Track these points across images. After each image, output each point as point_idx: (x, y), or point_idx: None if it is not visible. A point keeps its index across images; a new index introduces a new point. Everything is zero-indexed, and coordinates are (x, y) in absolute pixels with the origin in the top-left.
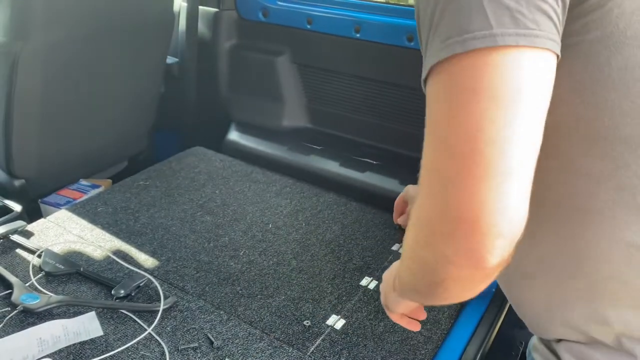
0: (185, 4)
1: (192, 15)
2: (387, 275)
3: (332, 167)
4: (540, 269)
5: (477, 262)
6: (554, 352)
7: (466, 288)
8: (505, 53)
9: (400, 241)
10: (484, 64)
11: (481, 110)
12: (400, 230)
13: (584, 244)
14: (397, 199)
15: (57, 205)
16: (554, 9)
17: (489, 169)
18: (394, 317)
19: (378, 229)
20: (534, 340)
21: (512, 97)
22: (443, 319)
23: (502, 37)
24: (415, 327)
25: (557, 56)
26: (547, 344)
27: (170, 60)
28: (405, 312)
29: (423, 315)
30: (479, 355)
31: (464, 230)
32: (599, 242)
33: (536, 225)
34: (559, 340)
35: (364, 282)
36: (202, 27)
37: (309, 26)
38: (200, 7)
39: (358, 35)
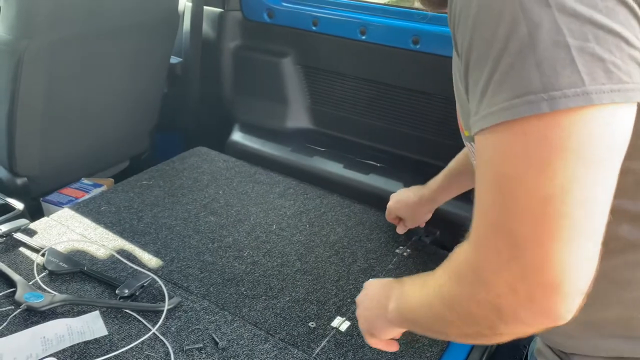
0: (189, 4)
1: (197, 16)
2: (371, 302)
3: (335, 168)
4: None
5: (555, 320)
6: (560, 358)
7: (526, 334)
8: (598, 111)
9: (404, 244)
10: (573, 124)
11: (568, 171)
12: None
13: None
14: (390, 215)
15: (59, 204)
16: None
17: (575, 232)
18: (373, 342)
19: (382, 231)
20: (537, 344)
21: (601, 157)
22: None
23: (596, 94)
24: (394, 348)
25: None
26: (555, 351)
27: (174, 60)
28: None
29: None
30: (484, 358)
31: (544, 294)
32: None
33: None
34: (572, 354)
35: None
36: (206, 27)
37: (314, 28)
38: (205, 7)
39: (364, 37)
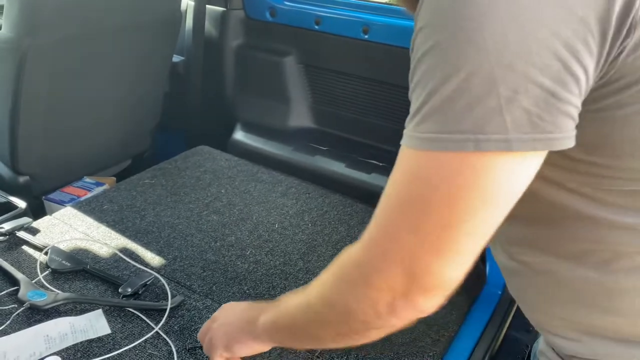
0: (192, 3)
1: (200, 14)
2: (233, 317)
3: (338, 168)
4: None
5: (421, 315)
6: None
7: (387, 334)
8: (515, 157)
9: None
10: (488, 166)
11: (469, 207)
12: None
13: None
14: None
15: (61, 203)
16: (574, 105)
17: (458, 255)
18: None
19: None
20: (540, 346)
21: (500, 200)
22: (451, 322)
23: (516, 142)
24: None
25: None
26: (559, 353)
27: (176, 58)
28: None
29: None
30: (486, 357)
31: (418, 295)
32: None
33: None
34: (573, 357)
35: None
36: (209, 26)
37: (316, 27)
38: (208, 6)
39: (366, 36)
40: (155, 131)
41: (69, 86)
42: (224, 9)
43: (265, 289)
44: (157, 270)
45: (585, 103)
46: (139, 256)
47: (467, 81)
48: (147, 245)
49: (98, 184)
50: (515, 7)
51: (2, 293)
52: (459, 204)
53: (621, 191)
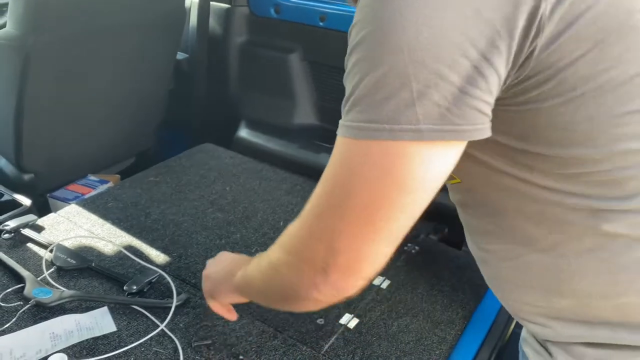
0: (196, 0)
1: (204, 11)
2: (222, 266)
3: None
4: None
5: (338, 293)
6: (543, 346)
7: (316, 307)
8: (426, 147)
9: (412, 241)
10: (403, 155)
11: (385, 193)
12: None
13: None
14: None
15: (66, 200)
16: (484, 101)
17: (376, 237)
18: (215, 306)
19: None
20: (523, 333)
21: (415, 187)
22: (457, 320)
23: (427, 132)
24: (233, 317)
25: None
26: (537, 338)
27: (180, 56)
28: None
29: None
30: (493, 356)
31: (338, 272)
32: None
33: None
34: (547, 340)
35: (376, 281)
36: (213, 23)
37: (321, 23)
38: (212, 3)
39: None
40: (160, 128)
41: (73, 84)
42: (229, 5)
43: None
44: (162, 267)
45: (508, 97)
46: (144, 254)
47: (385, 76)
48: (152, 243)
49: (102, 182)
50: (428, 9)
51: (8, 290)
52: (376, 189)
53: (560, 176)
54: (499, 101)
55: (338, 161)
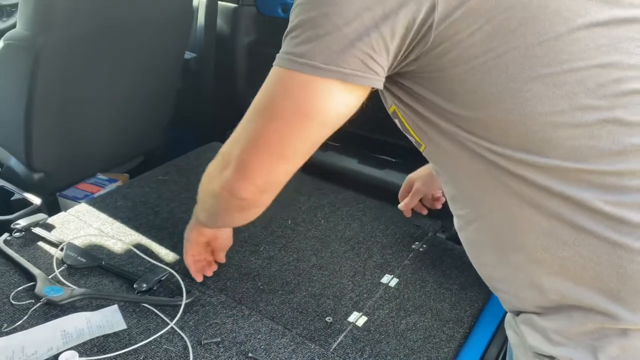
0: (204, 0)
1: (211, 11)
2: (190, 225)
3: (350, 164)
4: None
5: (237, 195)
6: (518, 325)
7: (241, 217)
8: (322, 82)
9: (420, 239)
10: (304, 84)
11: (286, 114)
12: (420, 229)
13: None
14: (406, 184)
15: (75, 199)
16: (371, 57)
17: (271, 151)
18: (188, 259)
19: (397, 226)
20: (506, 317)
21: (315, 116)
22: (466, 318)
23: (315, 69)
24: (209, 272)
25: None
26: (515, 317)
27: (188, 55)
28: (195, 248)
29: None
30: (502, 354)
31: (237, 176)
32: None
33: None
34: (518, 314)
35: (384, 279)
36: (220, 22)
37: None
38: (220, 3)
39: None
40: (168, 128)
41: (82, 83)
42: (236, 5)
43: (279, 284)
44: (172, 266)
45: (425, 65)
46: (153, 252)
47: (303, 20)
48: (161, 241)
49: (111, 181)
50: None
51: (20, 289)
52: (279, 108)
53: (487, 136)
54: (420, 67)
55: (266, 80)
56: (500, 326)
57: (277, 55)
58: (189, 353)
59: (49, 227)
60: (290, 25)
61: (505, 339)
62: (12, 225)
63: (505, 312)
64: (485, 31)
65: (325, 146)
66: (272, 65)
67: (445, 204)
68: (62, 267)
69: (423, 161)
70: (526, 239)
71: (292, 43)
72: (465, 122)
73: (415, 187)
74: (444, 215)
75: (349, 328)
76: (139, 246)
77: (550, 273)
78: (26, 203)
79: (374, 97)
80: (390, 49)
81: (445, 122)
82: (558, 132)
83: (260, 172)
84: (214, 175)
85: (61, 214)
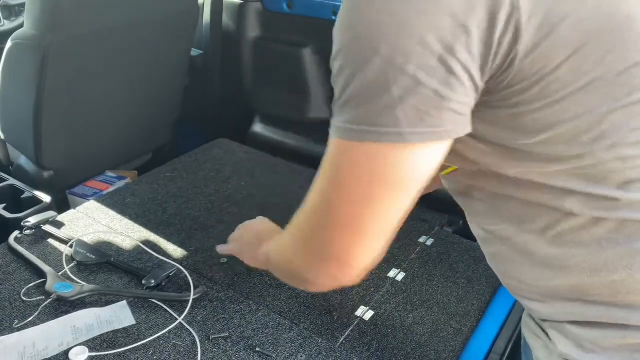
0: None
1: (217, 7)
2: (250, 234)
3: None
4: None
5: (339, 284)
6: (541, 327)
7: (322, 289)
8: (409, 148)
9: (427, 233)
10: (386, 156)
11: (374, 193)
12: (427, 223)
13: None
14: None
15: (85, 197)
16: (462, 102)
17: (366, 234)
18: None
19: (405, 221)
20: (523, 317)
21: (407, 185)
22: (473, 312)
23: (409, 135)
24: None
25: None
26: (536, 320)
27: (194, 52)
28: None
29: None
30: (509, 347)
31: (337, 266)
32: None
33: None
34: (544, 320)
35: (391, 274)
36: (226, 19)
37: (334, 17)
38: (225, 0)
39: None
40: (176, 125)
41: (90, 82)
42: (241, 1)
43: None
44: (180, 262)
45: (496, 101)
46: (161, 248)
47: (367, 80)
48: (169, 238)
49: (120, 178)
50: (405, 16)
51: (30, 285)
52: (363, 188)
53: (548, 169)
54: (488, 103)
55: (329, 161)
56: (507, 319)
57: (337, 126)
58: (197, 348)
59: (59, 225)
60: (346, 86)
61: (513, 333)
62: (22, 223)
63: (513, 307)
64: (572, 62)
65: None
66: (277, 60)
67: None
68: (72, 264)
69: None
70: (575, 263)
71: (361, 109)
72: (523, 156)
73: None
74: (450, 209)
75: (356, 322)
76: (147, 242)
77: (597, 294)
78: (36, 201)
79: None
80: (471, 90)
81: (501, 152)
82: (627, 163)
83: (362, 257)
84: (296, 262)
85: (70, 212)
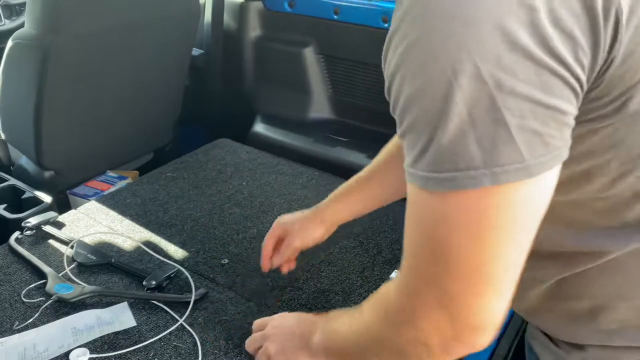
0: None
1: (218, 7)
2: (291, 336)
3: (358, 159)
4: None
5: (476, 349)
6: (552, 340)
7: None
8: (535, 181)
9: None
10: (509, 199)
11: (499, 241)
12: None
13: None
14: (272, 232)
15: (85, 197)
16: (574, 115)
17: (498, 288)
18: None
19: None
20: (529, 328)
21: (528, 227)
22: None
23: (535, 167)
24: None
25: None
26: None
27: (195, 52)
28: None
29: None
30: (512, 350)
31: (469, 334)
32: None
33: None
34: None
35: (394, 275)
36: (227, 18)
37: (335, 16)
38: None
39: (386, 25)
40: (177, 124)
41: (91, 81)
42: (243, 1)
43: (288, 281)
44: (181, 263)
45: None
46: (162, 249)
47: (470, 114)
48: (170, 238)
49: (121, 178)
50: (500, 25)
51: (31, 286)
52: (490, 241)
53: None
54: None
55: (433, 218)
56: (510, 323)
57: (432, 177)
58: (198, 350)
59: (60, 225)
60: (439, 125)
61: (516, 335)
62: (23, 224)
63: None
64: None
65: (333, 142)
66: (279, 59)
67: None
68: (73, 265)
69: None
70: (597, 286)
71: (466, 150)
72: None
73: (290, 238)
74: None
75: None
76: (148, 243)
77: (625, 320)
78: (37, 201)
79: (380, 92)
80: (579, 99)
81: None
82: None
83: (498, 316)
84: (405, 326)
85: (71, 212)
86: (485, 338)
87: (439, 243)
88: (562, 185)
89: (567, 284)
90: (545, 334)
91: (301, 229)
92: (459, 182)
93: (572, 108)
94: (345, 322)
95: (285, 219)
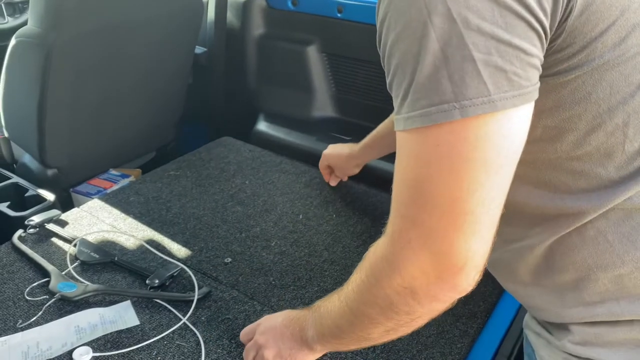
0: None
1: (221, 5)
2: (283, 341)
3: None
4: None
5: (460, 293)
6: (543, 327)
7: (437, 313)
8: (502, 116)
9: None
10: (480, 132)
11: (473, 176)
12: None
13: None
14: (322, 162)
15: (88, 195)
16: (539, 58)
17: (476, 225)
18: None
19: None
20: (526, 317)
21: (501, 163)
22: (479, 313)
23: (500, 101)
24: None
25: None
26: (538, 320)
27: (198, 50)
28: None
29: None
30: (516, 349)
31: (451, 274)
32: None
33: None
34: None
35: None
36: (230, 16)
37: (339, 14)
38: None
39: None
40: (180, 123)
41: (94, 79)
42: None
43: (291, 280)
44: (184, 261)
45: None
46: (165, 248)
47: (443, 50)
48: (173, 237)
49: (124, 176)
50: None
51: (34, 284)
52: (462, 174)
53: (568, 148)
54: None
55: (410, 157)
56: (514, 321)
57: (409, 116)
58: (201, 348)
59: (63, 223)
60: (416, 67)
61: (520, 334)
62: (26, 222)
63: (520, 308)
64: (617, 26)
65: (336, 140)
66: (282, 57)
67: None
68: (76, 263)
69: None
70: (579, 256)
71: (438, 87)
72: (548, 134)
73: (335, 174)
74: None
75: None
76: (151, 242)
77: (605, 292)
78: (40, 199)
79: (384, 90)
80: (544, 42)
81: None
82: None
83: (479, 254)
84: (390, 274)
85: (74, 210)
86: (466, 279)
87: (418, 181)
88: (537, 142)
89: (552, 253)
90: (537, 321)
91: (343, 166)
92: (432, 116)
93: (536, 51)
94: (334, 300)
95: (328, 155)
